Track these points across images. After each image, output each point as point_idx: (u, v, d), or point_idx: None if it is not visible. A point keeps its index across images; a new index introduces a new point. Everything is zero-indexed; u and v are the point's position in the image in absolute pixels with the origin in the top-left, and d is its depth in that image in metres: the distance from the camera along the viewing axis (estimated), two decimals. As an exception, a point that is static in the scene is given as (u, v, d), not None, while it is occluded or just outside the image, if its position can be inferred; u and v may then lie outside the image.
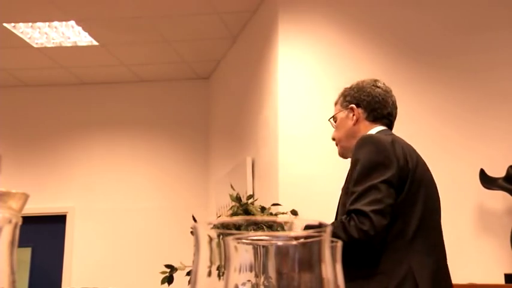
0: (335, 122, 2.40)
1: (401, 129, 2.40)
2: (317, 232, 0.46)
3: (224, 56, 5.71)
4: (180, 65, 5.96)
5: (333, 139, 2.43)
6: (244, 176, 4.64)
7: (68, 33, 5.26)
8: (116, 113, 6.34)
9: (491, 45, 4.02)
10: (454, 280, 2.22)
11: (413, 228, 2.05)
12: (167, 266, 3.29)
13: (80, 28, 5.14)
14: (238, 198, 3.65)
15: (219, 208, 5.17)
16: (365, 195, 2.00)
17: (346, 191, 2.12)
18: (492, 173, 3.67)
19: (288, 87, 4.14)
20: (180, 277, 3.32)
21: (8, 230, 0.49)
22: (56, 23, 5.07)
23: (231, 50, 5.51)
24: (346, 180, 2.18)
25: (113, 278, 5.67)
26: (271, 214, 3.61)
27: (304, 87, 4.13)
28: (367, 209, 1.97)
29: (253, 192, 4.41)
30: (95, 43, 5.40)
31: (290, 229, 0.49)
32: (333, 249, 0.51)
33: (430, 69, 4.07)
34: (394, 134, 2.27)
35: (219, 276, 0.46)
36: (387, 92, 2.37)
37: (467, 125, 3.96)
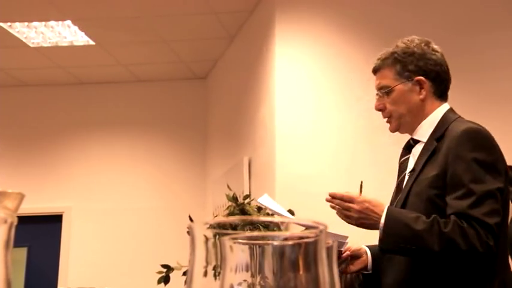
0: (388, 93, 2.05)
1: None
2: (313, 232, 0.46)
3: (221, 55, 5.70)
4: (177, 65, 5.96)
5: (380, 110, 2.08)
6: (241, 175, 4.64)
7: (64, 33, 5.25)
8: (113, 112, 6.33)
9: (490, 45, 4.03)
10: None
11: (502, 239, 1.86)
12: (164, 265, 3.28)
13: (76, 28, 5.13)
14: (234, 198, 3.64)
15: (216, 208, 5.17)
16: (485, 202, 1.78)
17: (432, 183, 1.86)
18: (489, 173, 3.67)
19: (284, 87, 4.14)
20: (176, 277, 3.31)
21: (3, 230, 0.48)
22: (52, 23, 5.06)
23: (229, 49, 5.51)
24: (436, 174, 1.87)
25: (109, 278, 5.67)
26: (267, 214, 3.61)
27: (301, 87, 4.13)
28: (491, 221, 1.76)
29: (249, 192, 4.40)
30: (92, 43, 5.39)
31: (286, 229, 0.49)
32: (329, 250, 0.51)
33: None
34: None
35: (215, 276, 0.46)
36: (444, 57, 2.05)
37: (464, 125, 3.96)
